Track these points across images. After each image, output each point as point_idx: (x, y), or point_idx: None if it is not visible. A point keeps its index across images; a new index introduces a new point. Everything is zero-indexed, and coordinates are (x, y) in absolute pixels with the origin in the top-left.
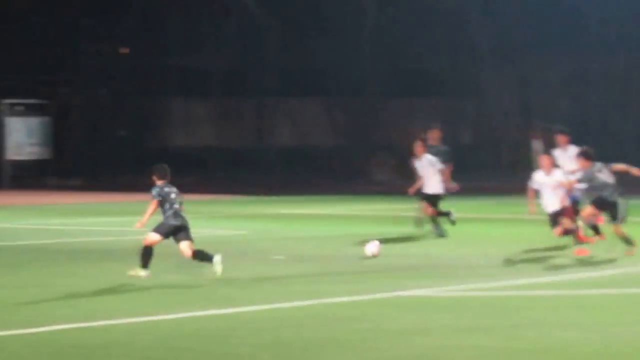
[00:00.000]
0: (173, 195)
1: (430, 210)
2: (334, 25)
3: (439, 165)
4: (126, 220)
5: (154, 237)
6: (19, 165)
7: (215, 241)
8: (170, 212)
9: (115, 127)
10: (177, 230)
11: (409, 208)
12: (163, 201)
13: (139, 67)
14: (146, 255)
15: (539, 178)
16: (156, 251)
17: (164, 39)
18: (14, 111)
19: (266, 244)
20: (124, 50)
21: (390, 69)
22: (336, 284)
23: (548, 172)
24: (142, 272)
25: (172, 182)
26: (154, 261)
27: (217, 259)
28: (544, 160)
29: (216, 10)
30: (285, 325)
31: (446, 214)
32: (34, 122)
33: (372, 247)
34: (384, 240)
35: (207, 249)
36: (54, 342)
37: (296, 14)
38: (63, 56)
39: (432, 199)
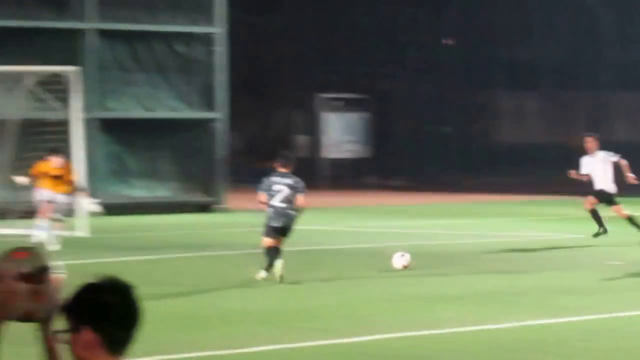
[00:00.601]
0: (276, 187)
1: (588, 204)
2: None
3: (614, 158)
4: (450, 222)
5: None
6: (337, 163)
7: (548, 245)
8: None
9: (438, 122)
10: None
11: None
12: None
13: (464, 59)
14: (268, 256)
15: None
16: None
17: (490, 30)
18: (331, 106)
19: (603, 249)
20: (447, 42)
21: None
22: None
23: None
24: (262, 274)
25: (497, 182)
26: (480, 268)
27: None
28: None
29: (548, 0)
30: (618, 337)
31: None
32: (352, 118)
33: (400, 260)
34: None
35: (537, 254)
36: (377, 351)
37: (632, 4)
38: (383, 48)
39: (604, 197)
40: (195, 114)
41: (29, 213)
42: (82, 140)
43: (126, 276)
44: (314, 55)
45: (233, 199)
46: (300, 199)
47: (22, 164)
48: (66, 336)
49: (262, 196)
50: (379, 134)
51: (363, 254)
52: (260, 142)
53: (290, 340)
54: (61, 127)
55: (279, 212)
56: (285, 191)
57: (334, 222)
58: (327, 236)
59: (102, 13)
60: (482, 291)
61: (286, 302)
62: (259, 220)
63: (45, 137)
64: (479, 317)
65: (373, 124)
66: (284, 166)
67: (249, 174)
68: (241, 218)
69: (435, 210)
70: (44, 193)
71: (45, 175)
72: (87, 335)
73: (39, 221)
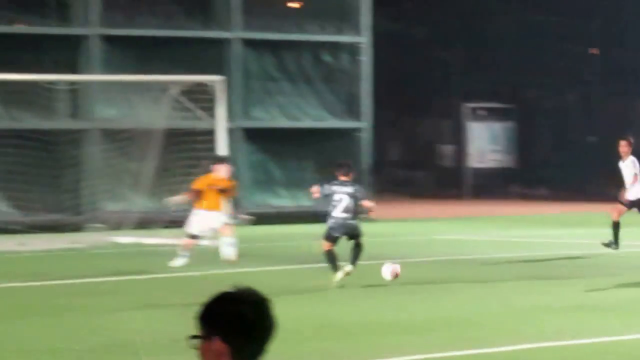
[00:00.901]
0: (337, 197)
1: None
2: None
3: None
4: (594, 232)
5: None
6: (481, 173)
7: None
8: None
9: (583, 132)
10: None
11: None
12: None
13: (610, 68)
14: (328, 259)
15: None
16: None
17: (636, 40)
18: (476, 116)
19: None
20: (593, 51)
21: None
22: None
23: None
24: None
25: None
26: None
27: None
28: None
29: None
30: None
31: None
32: (497, 128)
33: (390, 269)
34: None
35: None
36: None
37: None
38: (528, 58)
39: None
40: (340, 124)
41: (172, 222)
42: (227, 150)
43: (270, 286)
44: (459, 64)
45: (379, 209)
46: (366, 203)
47: (167, 174)
48: (197, 343)
49: (316, 189)
50: (524, 144)
51: (505, 262)
52: (406, 151)
53: (437, 349)
54: (206, 137)
55: (339, 223)
56: (346, 200)
57: (478, 231)
58: (471, 245)
59: (247, 23)
60: (626, 300)
61: (429, 311)
62: (403, 230)
63: (190, 147)
64: (625, 327)
65: (518, 134)
66: (345, 175)
67: (395, 182)
68: (386, 228)
69: (579, 220)
70: (202, 218)
71: (211, 188)
72: (217, 344)
73: (182, 251)
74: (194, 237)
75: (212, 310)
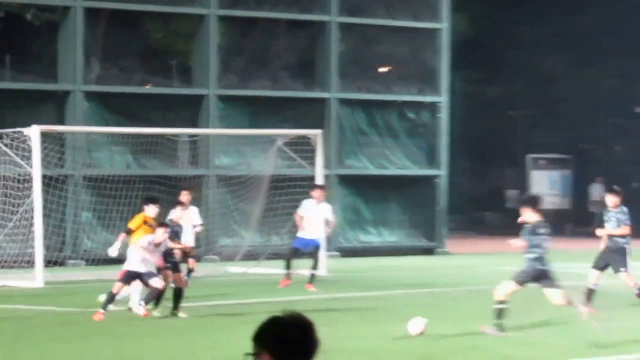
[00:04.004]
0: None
1: None
2: None
3: None
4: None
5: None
6: (542, 213)
7: None
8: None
9: (630, 179)
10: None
11: None
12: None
13: None
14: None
15: None
16: None
17: None
18: (538, 165)
19: None
20: (638, 110)
21: None
22: None
23: None
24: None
25: None
26: None
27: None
28: None
29: None
30: None
31: None
32: (555, 175)
33: (417, 326)
34: None
35: None
36: None
37: None
38: (583, 115)
39: None
40: (421, 171)
41: (274, 255)
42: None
43: (358, 310)
44: (524, 121)
45: (453, 244)
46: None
47: (271, 214)
48: (251, 359)
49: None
50: (578, 189)
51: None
52: (478, 195)
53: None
54: (306, 182)
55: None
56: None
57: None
58: None
59: (343, 85)
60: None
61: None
62: (474, 262)
63: (292, 190)
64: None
65: (573, 180)
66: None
67: (468, 222)
68: (460, 261)
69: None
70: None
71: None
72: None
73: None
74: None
75: (263, 330)
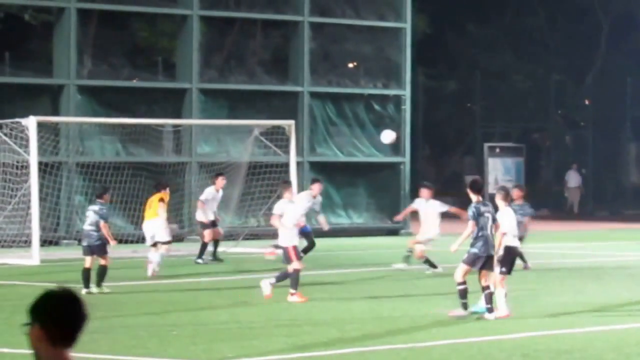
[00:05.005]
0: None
1: None
2: None
3: None
4: (585, 244)
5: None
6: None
7: None
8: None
9: (578, 167)
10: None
11: None
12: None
13: (599, 116)
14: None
15: None
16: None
17: (620, 93)
18: (493, 153)
19: None
20: (586, 102)
21: None
22: None
23: None
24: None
25: (623, 213)
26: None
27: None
28: None
29: None
30: None
31: None
32: (509, 162)
33: (388, 136)
34: None
35: None
36: (523, 346)
37: None
38: (534, 108)
39: None
40: (386, 159)
41: (251, 235)
42: (297, 179)
43: (328, 285)
44: (480, 112)
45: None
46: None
47: (249, 198)
48: (27, 329)
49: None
50: (530, 175)
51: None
52: (438, 180)
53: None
54: (281, 169)
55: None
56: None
57: None
58: None
59: (314, 79)
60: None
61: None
62: (434, 243)
63: (268, 176)
64: (598, 320)
65: (526, 167)
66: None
67: None
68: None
69: (572, 236)
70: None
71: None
72: (37, 330)
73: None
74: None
75: (36, 303)
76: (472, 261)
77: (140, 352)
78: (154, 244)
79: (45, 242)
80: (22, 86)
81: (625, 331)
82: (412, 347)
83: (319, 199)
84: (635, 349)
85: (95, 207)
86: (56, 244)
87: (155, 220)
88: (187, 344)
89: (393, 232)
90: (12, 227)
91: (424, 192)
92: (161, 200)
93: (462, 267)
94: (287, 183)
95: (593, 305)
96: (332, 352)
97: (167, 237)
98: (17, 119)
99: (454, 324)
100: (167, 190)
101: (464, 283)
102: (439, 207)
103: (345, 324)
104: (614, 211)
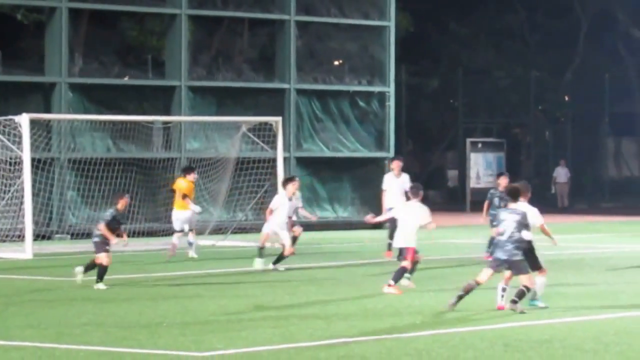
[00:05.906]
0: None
1: None
2: None
3: None
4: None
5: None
6: (478, 191)
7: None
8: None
9: (556, 161)
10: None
11: None
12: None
13: (578, 112)
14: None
15: None
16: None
17: (598, 89)
18: (475, 148)
19: None
20: (565, 99)
21: None
22: None
23: None
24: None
25: (602, 206)
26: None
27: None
28: None
29: None
30: None
31: None
32: (491, 157)
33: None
34: None
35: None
36: (504, 336)
37: None
38: (515, 104)
39: None
40: (371, 154)
41: (239, 229)
42: (284, 173)
43: (315, 279)
44: (462, 108)
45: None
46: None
47: (237, 193)
48: None
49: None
50: (511, 169)
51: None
52: (422, 174)
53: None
54: (268, 164)
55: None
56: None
57: (475, 236)
58: (469, 247)
59: (300, 77)
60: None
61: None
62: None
63: (255, 171)
64: (578, 311)
65: (506, 162)
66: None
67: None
68: None
69: (552, 228)
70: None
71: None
72: None
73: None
74: None
75: None
76: (495, 266)
77: (131, 344)
78: (190, 230)
79: (38, 237)
80: (14, 84)
81: (604, 321)
82: (397, 337)
83: (298, 194)
84: (613, 338)
85: (106, 212)
86: (49, 238)
87: (186, 212)
88: (176, 335)
89: (377, 225)
90: (6, 222)
91: (395, 163)
92: (185, 197)
93: (486, 271)
94: (292, 178)
95: (573, 296)
96: (318, 343)
97: (193, 225)
98: (10, 117)
99: (437, 315)
100: (192, 175)
101: (479, 284)
102: (408, 183)
103: (331, 315)
104: (593, 204)
